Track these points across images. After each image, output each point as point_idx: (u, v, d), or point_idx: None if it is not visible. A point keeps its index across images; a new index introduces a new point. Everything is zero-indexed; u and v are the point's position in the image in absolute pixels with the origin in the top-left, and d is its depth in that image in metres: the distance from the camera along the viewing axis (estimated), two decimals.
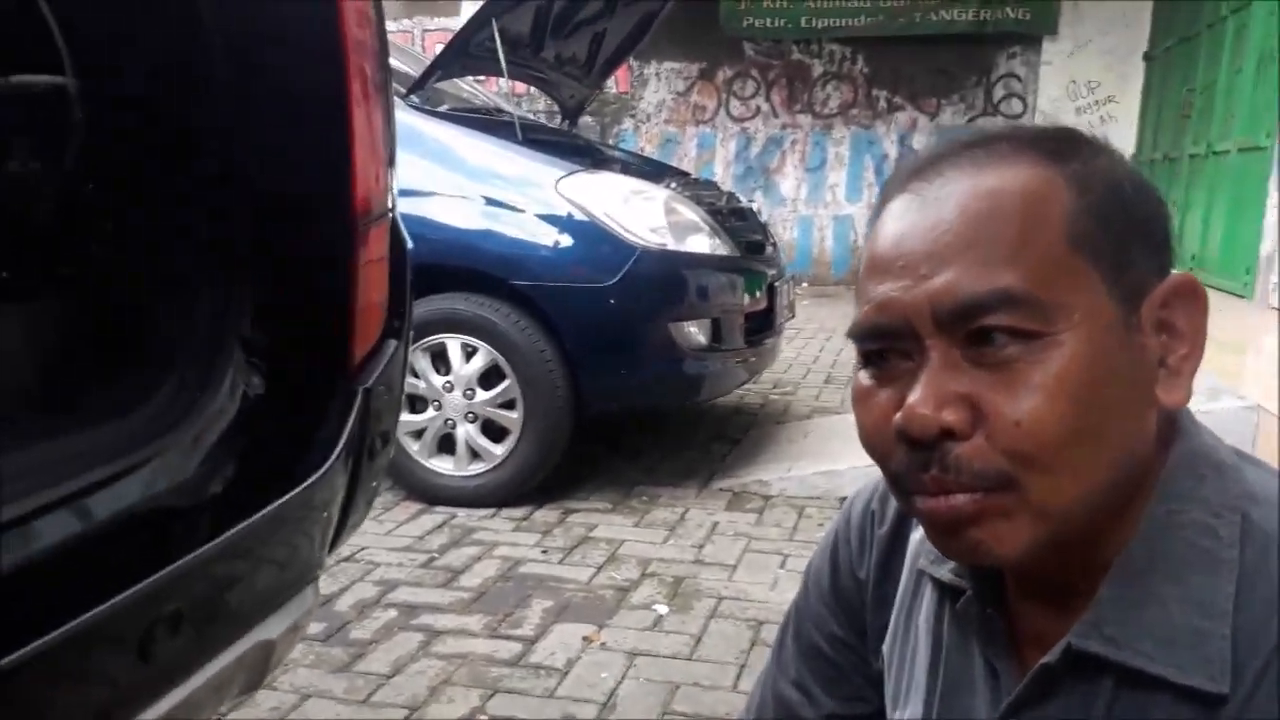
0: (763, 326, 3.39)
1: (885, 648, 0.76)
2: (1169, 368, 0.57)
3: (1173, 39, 6.94)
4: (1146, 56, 7.66)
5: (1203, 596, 0.54)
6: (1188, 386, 0.57)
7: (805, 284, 8.22)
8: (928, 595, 0.71)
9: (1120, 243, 0.55)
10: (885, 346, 0.57)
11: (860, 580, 0.78)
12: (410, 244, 1.28)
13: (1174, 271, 0.59)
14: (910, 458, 0.56)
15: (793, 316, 3.90)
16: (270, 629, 0.97)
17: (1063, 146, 0.57)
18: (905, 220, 0.57)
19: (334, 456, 1.04)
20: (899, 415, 0.55)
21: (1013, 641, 0.64)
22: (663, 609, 2.33)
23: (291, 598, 1.02)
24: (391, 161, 1.23)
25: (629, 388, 3.03)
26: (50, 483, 0.81)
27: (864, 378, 0.60)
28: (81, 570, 0.80)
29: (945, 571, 0.68)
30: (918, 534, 0.72)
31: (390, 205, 1.23)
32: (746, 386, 3.94)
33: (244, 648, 0.92)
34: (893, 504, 0.75)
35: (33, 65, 1.03)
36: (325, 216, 1.10)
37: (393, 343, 1.21)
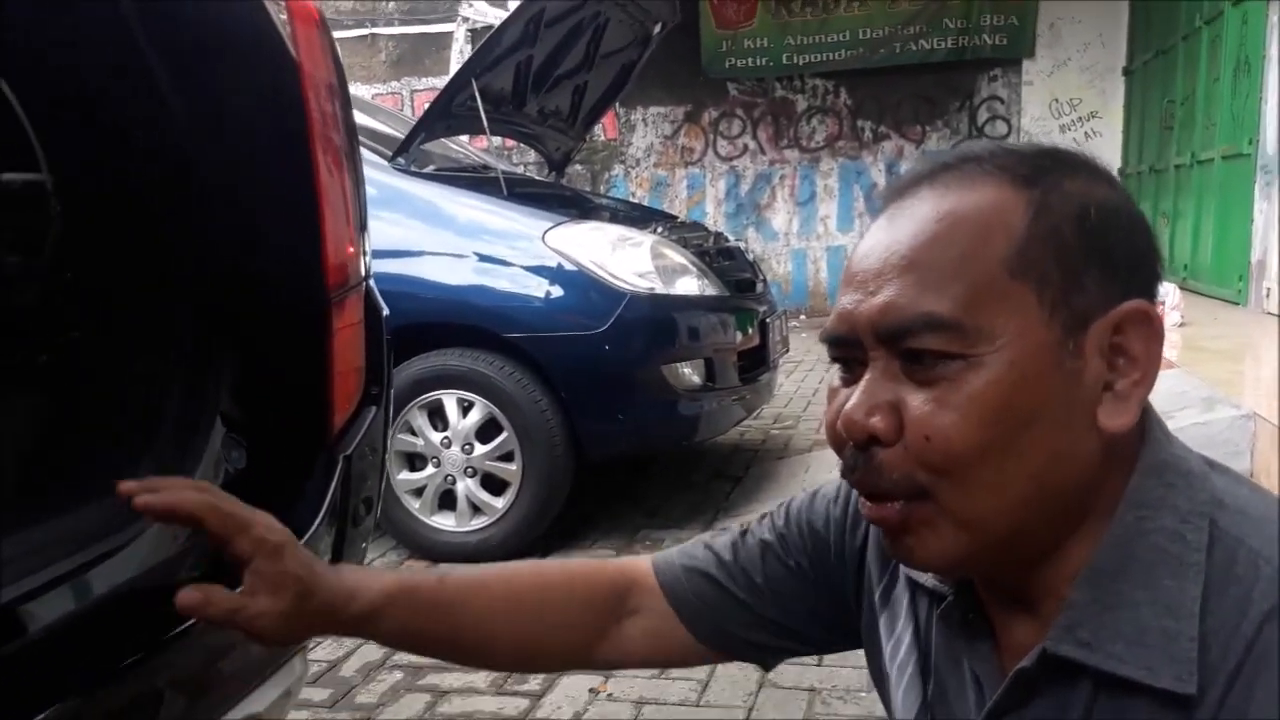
0: (757, 363, 3.41)
1: (866, 630, 0.78)
2: (1116, 393, 0.58)
3: (1150, 53, 7.03)
4: (1125, 71, 7.75)
5: (1171, 599, 0.56)
6: (1135, 412, 0.58)
7: (802, 316, 8.25)
8: (905, 599, 0.73)
9: (1071, 269, 0.57)
10: (840, 355, 0.62)
11: (844, 544, 0.79)
12: (386, 310, 1.31)
13: (1163, 287, 0.61)
14: (848, 456, 0.61)
15: (787, 351, 3.91)
16: (257, 701, 0.97)
17: (1036, 170, 0.59)
18: (873, 237, 0.61)
19: (316, 523, 1.05)
20: (839, 417, 0.60)
21: (995, 647, 0.65)
22: (705, 665, 2.32)
23: (280, 668, 1.03)
24: (363, 228, 1.26)
25: (626, 432, 3.04)
26: (35, 567, 0.82)
27: (834, 377, 0.64)
28: (67, 652, 0.80)
29: (928, 577, 0.70)
30: None
31: (364, 272, 1.25)
32: (746, 423, 3.95)
33: None
34: None
35: (8, 163, 1.07)
36: (298, 288, 1.13)
37: (373, 409, 1.23)
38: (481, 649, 0.83)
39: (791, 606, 0.81)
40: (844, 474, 0.62)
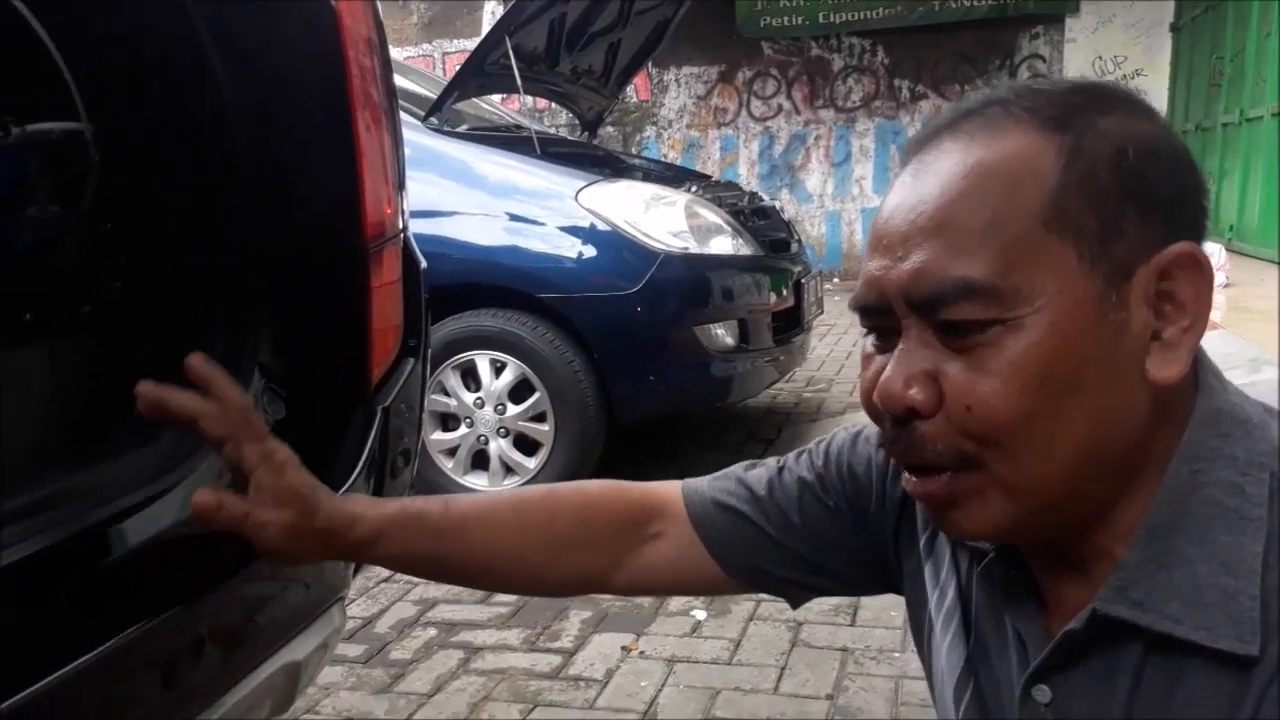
0: (790, 324, 3.38)
1: (910, 577, 0.76)
2: (1164, 341, 0.55)
3: (1199, 8, 6.82)
4: (1173, 27, 7.53)
5: (1230, 556, 0.53)
6: (1185, 361, 0.55)
7: (836, 279, 8.17)
8: (948, 553, 0.71)
9: (1109, 215, 0.54)
10: (871, 324, 0.59)
11: (885, 491, 0.77)
12: (424, 264, 1.30)
13: (1208, 246, 0.58)
14: (887, 430, 0.58)
15: (821, 313, 3.88)
16: (296, 650, 0.98)
17: (1067, 110, 0.56)
18: (899, 193, 0.58)
19: (355, 475, 1.05)
20: (876, 392, 0.57)
21: (1040, 607, 0.63)
22: (701, 614, 2.33)
23: (318, 618, 1.04)
24: (401, 184, 1.25)
25: (658, 393, 3.03)
26: (80, 512, 0.83)
27: (867, 344, 0.62)
28: (113, 597, 0.81)
29: None
30: None
31: (402, 227, 1.24)
32: (779, 385, 3.93)
33: (269, 670, 0.93)
34: None
35: (49, 111, 1.06)
36: (338, 242, 1.12)
37: (410, 361, 1.22)
38: (488, 573, 0.83)
39: (828, 547, 0.79)
40: (884, 447, 0.60)
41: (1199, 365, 0.58)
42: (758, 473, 0.82)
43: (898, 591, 0.80)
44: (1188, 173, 0.57)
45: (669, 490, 0.84)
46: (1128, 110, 0.56)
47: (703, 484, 0.83)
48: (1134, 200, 0.54)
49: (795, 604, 0.86)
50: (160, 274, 1.11)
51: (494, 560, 0.81)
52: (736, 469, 0.84)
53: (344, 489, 1.02)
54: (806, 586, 0.83)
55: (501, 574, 0.82)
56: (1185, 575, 0.54)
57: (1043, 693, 0.60)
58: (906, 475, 0.59)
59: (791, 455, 0.83)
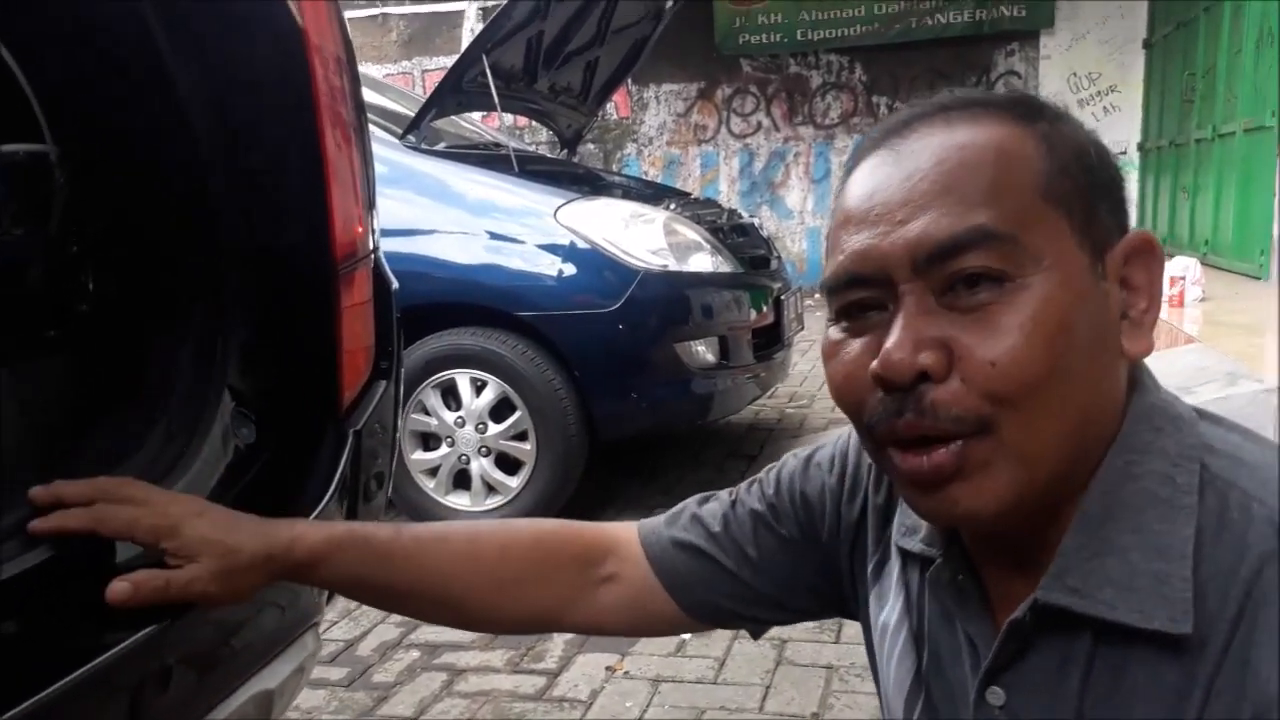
0: (771, 341, 3.39)
1: (861, 605, 0.77)
2: (1131, 320, 0.59)
3: (1170, 25, 6.91)
4: (1145, 44, 7.63)
5: (1161, 542, 0.55)
6: (1149, 338, 0.59)
7: (816, 295, 8.19)
8: (897, 570, 0.72)
9: (1087, 199, 0.57)
10: (860, 297, 0.59)
11: (840, 515, 0.77)
12: (395, 284, 1.29)
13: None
14: (885, 404, 0.57)
15: (802, 329, 3.88)
16: (269, 678, 0.96)
17: (1029, 110, 0.59)
18: (880, 174, 0.59)
19: (326, 498, 1.04)
20: (876, 361, 0.56)
21: (988, 610, 0.64)
22: (685, 634, 2.32)
23: (291, 645, 1.02)
24: (372, 204, 1.24)
25: (640, 411, 3.02)
26: (35, 544, 0.81)
27: (834, 332, 0.61)
28: (81, 624, 0.80)
29: (916, 543, 0.69)
30: (897, 517, 0.72)
31: (372, 247, 1.23)
32: (761, 402, 3.93)
33: (241, 699, 0.91)
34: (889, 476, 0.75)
35: (12, 134, 1.05)
36: (307, 263, 1.11)
37: (383, 383, 1.21)
38: (438, 603, 0.82)
39: (783, 578, 0.80)
40: (879, 425, 0.57)
41: (1136, 366, 0.61)
42: (711, 507, 0.83)
43: (854, 617, 0.80)
44: (1122, 178, 0.62)
45: (624, 531, 0.85)
46: (1071, 121, 0.61)
47: (659, 524, 0.84)
48: (1100, 190, 0.58)
49: (756, 635, 0.87)
50: (127, 296, 1.09)
51: (444, 589, 0.81)
52: (690, 504, 0.85)
53: (315, 513, 1.01)
54: (764, 620, 0.83)
55: (451, 604, 0.82)
56: (1119, 562, 0.56)
57: (996, 695, 0.61)
58: (899, 453, 0.57)
59: (743, 486, 0.83)
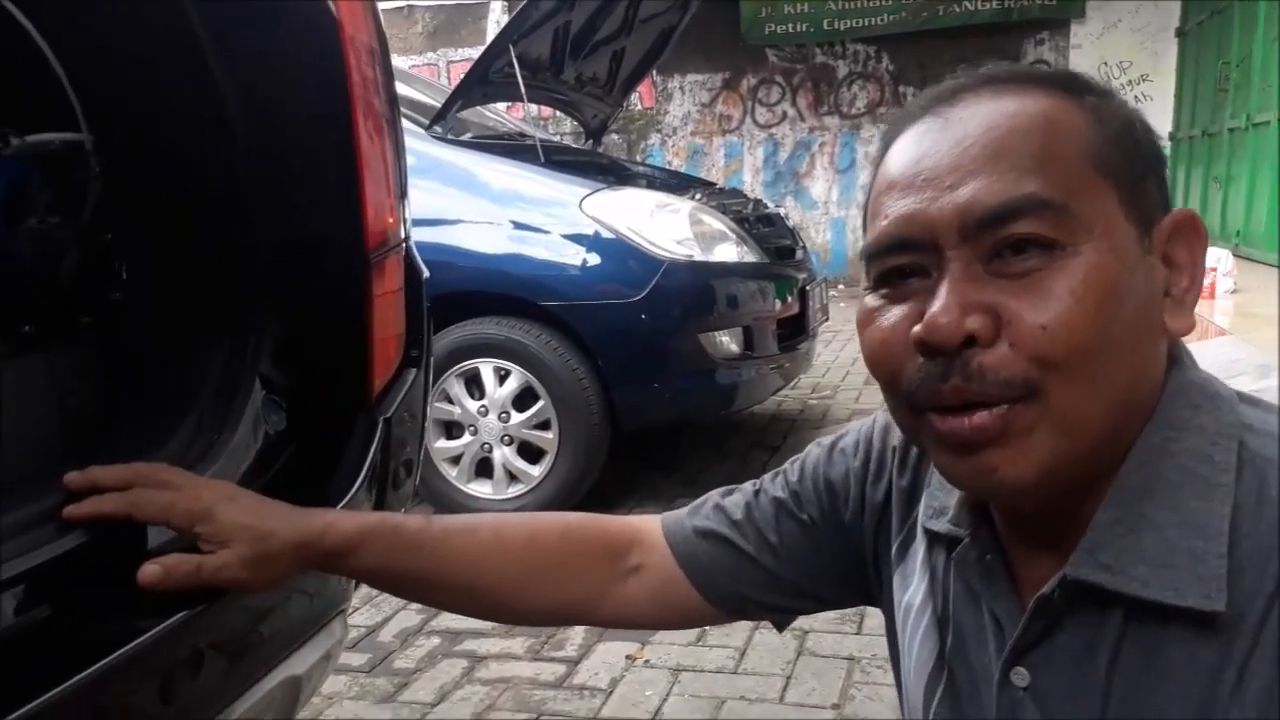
0: (796, 331, 3.37)
1: (883, 588, 0.77)
2: (1173, 297, 0.58)
3: (1204, 13, 6.80)
4: (1178, 32, 7.52)
5: (1198, 520, 0.55)
6: (1191, 316, 0.59)
7: (840, 285, 8.16)
8: (922, 552, 0.71)
9: (1135, 172, 0.57)
10: (903, 262, 0.58)
11: (864, 498, 0.77)
12: (426, 273, 1.29)
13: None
14: (928, 369, 0.56)
15: (826, 319, 3.87)
16: (297, 664, 0.97)
17: (1076, 84, 0.59)
18: (926, 140, 0.58)
19: (356, 486, 1.05)
20: (919, 326, 0.56)
21: (1015, 590, 0.63)
22: (709, 626, 2.32)
23: (319, 631, 1.03)
24: (403, 194, 1.25)
25: (663, 401, 3.02)
26: (72, 528, 0.82)
27: (872, 299, 0.60)
28: (116, 609, 0.81)
29: (943, 523, 0.68)
30: (924, 499, 0.72)
31: (403, 236, 1.24)
32: (784, 392, 3.92)
33: (270, 684, 0.92)
34: (914, 456, 0.74)
35: (49, 123, 1.06)
36: (338, 251, 1.12)
37: (412, 372, 1.22)
38: (466, 594, 0.82)
39: (805, 564, 0.80)
40: (920, 390, 0.57)
41: (1173, 343, 0.60)
42: (734, 498, 0.83)
43: (876, 603, 0.80)
44: (1163, 152, 0.62)
45: (648, 523, 0.85)
46: (1113, 93, 0.61)
47: (681, 514, 0.84)
48: (1147, 164, 0.58)
49: (780, 627, 0.87)
50: (160, 284, 1.10)
51: (473, 579, 0.81)
52: (713, 495, 0.85)
53: (345, 500, 1.01)
54: (787, 609, 0.83)
55: (479, 594, 0.82)
56: (1155, 539, 0.55)
57: (1021, 676, 0.60)
58: (941, 418, 0.56)
59: (767, 477, 0.84)
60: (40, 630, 0.75)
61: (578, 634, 2.29)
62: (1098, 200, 0.55)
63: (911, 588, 0.73)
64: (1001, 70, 0.60)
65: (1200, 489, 0.55)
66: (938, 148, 0.57)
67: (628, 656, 2.17)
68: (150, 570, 0.74)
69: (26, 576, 0.75)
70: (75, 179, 1.07)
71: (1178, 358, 0.60)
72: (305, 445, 1.07)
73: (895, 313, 0.58)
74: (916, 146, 0.58)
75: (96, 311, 1.08)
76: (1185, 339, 0.61)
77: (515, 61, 3.24)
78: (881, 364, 0.59)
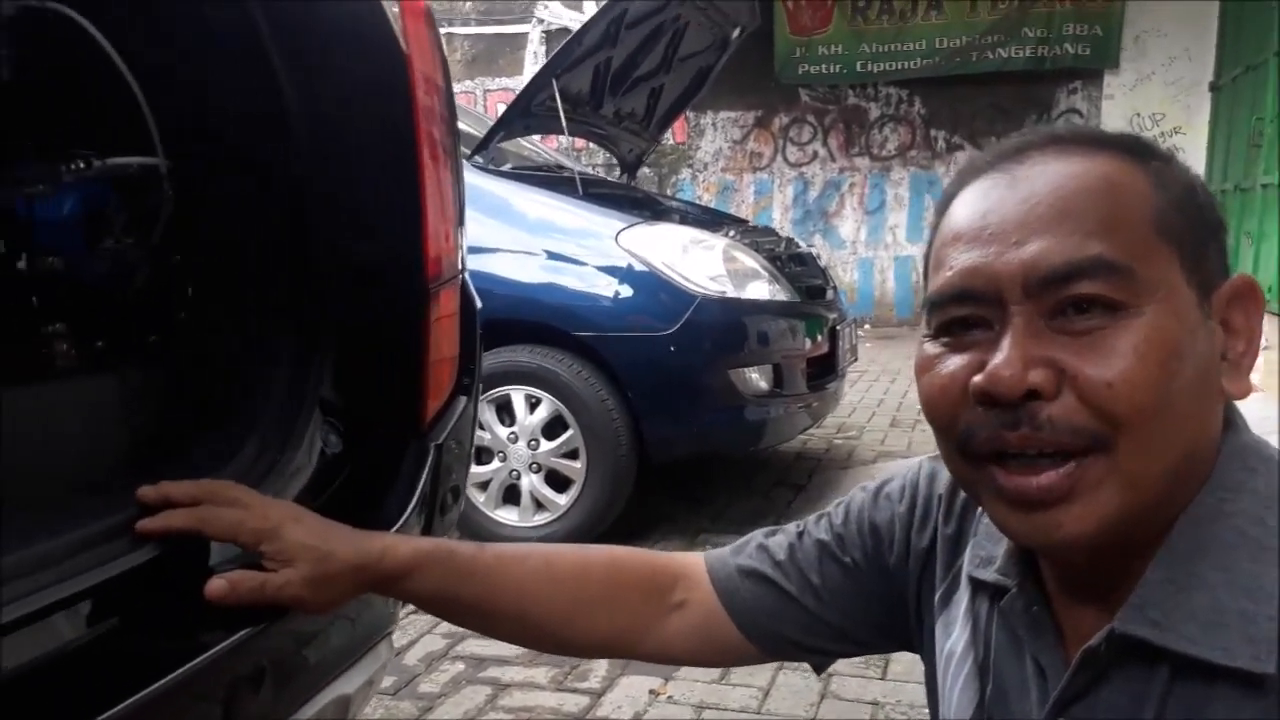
0: (825, 371, 3.38)
1: (925, 634, 0.77)
2: (1229, 361, 0.59)
3: (1239, 68, 6.80)
4: (1212, 86, 7.52)
5: (1250, 582, 0.55)
6: (1248, 380, 0.60)
7: (867, 326, 8.15)
8: (965, 600, 0.72)
9: (1197, 237, 0.58)
10: (966, 313, 0.59)
11: (909, 543, 0.78)
12: (479, 303, 1.32)
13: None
14: (993, 417, 0.57)
15: (855, 360, 3.87)
16: (347, 684, 0.99)
17: (1140, 148, 0.61)
18: (994, 195, 0.60)
19: (409, 511, 1.07)
20: (981, 376, 0.57)
21: (1060, 642, 0.64)
22: (751, 665, 2.31)
23: (367, 653, 1.04)
24: (461, 222, 1.28)
25: (691, 435, 3.03)
26: (140, 543, 0.84)
27: (932, 347, 0.61)
28: (170, 631, 0.83)
29: (990, 573, 0.69)
30: (970, 548, 0.73)
31: (460, 265, 1.27)
32: (810, 431, 3.91)
33: (323, 703, 0.94)
34: (960, 505, 0.75)
35: (127, 147, 1.10)
36: (399, 278, 1.14)
37: (463, 399, 1.24)
38: (517, 622, 0.83)
39: (847, 607, 0.80)
40: (982, 435, 0.58)
41: (1228, 406, 0.61)
42: (778, 539, 0.84)
43: (914, 649, 0.80)
44: (1223, 219, 0.63)
45: (692, 559, 0.86)
46: (1176, 159, 0.62)
47: (725, 553, 0.86)
48: (1208, 230, 0.59)
49: (819, 670, 0.87)
50: (226, 305, 1.13)
51: (523, 607, 0.82)
52: (757, 536, 0.86)
53: (397, 525, 1.03)
54: (827, 651, 0.84)
55: (529, 622, 0.83)
56: (1205, 598, 0.56)
57: None
58: (1007, 474, 0.58)
59: (811, 519, 0.85)
60: (110, 644, 0.77)
61: (601, 666, 2.29)
62: (1160, 264, 0.56)
63: (954, 636, 0.73)
64: (1067, 130, 0.62)
65: (1253, 551, 0.56)
66: (1004, 204, 0.58)
67: (651, 691, 2.16)
68: (217, 585, 0.75)
69: (98, 590, 0.77)
70: (149, 202, 1.11)
71: (1233, 421, 0.61)
72: (359, 469, 1.09)
73: (955, 361, 0.59)
74: (983, 201, 0.60)
75: (164, 330, 1.10)
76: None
77: (557, 95, 3.29)
78: (939, 410, 0.61)
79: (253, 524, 0.78)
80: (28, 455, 0.86)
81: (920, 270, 0.70)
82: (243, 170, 1.13)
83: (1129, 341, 0.54)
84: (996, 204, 0.59)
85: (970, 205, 0.61)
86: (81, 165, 1.04)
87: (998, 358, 0.56)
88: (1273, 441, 0.63)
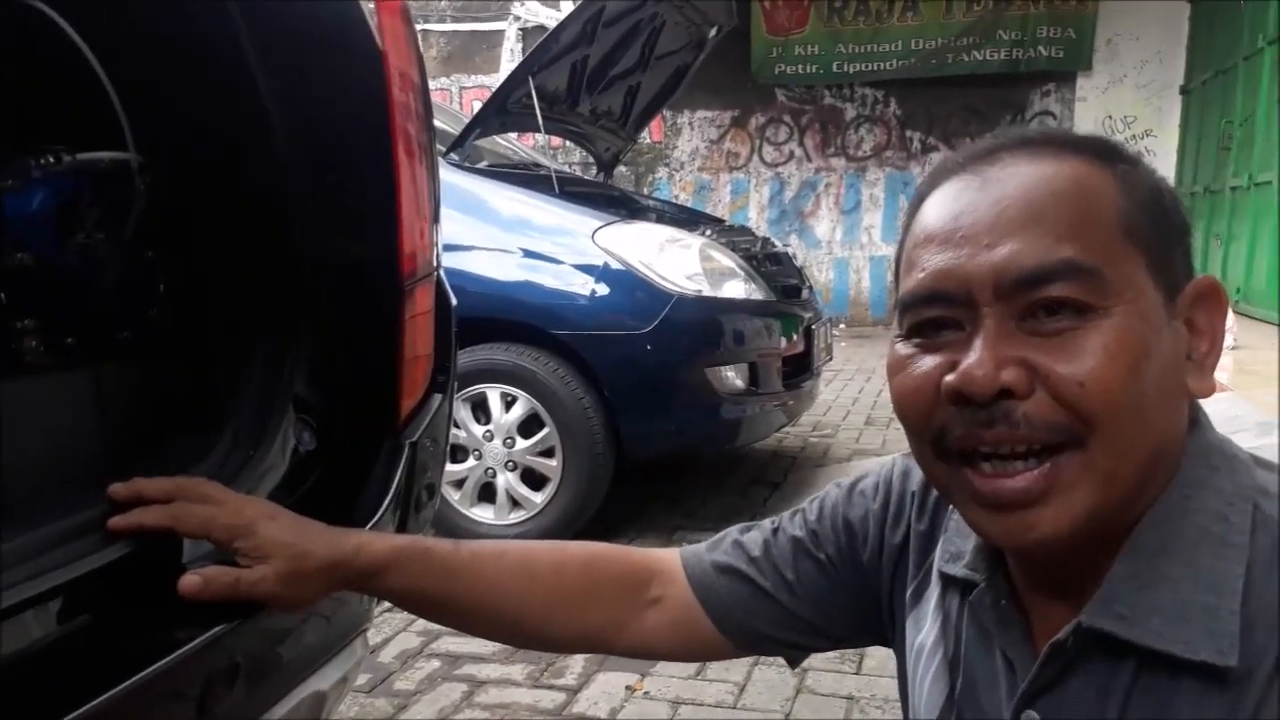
0: (800, 369, 3.40)
1: (897, 629, 0.78)
2: (1194, 361, 0.60)
3: (1209, 72, 6.91)
4: (1183, 90, 7.63)
5: (1213, 577, 0.56)
6: (1212, 379, 0.61)
7: (842, 325, 8.20)
8: (936, 595, 0.73)
9: (1163, 240, 0.59)
10: (938, 315, 0.60)
11: (882, 540, 0.79)
12: (454, 301, 1.32)
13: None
14: (967, 416, 0.58)
15: (830, 359, 3.89)
16: (322, 680, 0.99)
17: (1108, 151, 0.61)
18: (965, 197, 0.60)
19: (382, 509, 1.07)
20: (954, 376, 0.58)
21: (1029, 637, 0.65)
22: (727, 660, 2.32)
23: (342, 649, 1.04)
24: (436, 219, 1.28)
25: (667, 433, 3.04)
26: (113, 539, 0.84)
27: (904, 348, 0.62)
28: (143, 627, 0.82)
29: (959, 568, 0.70)
30: (941, 544, 0.74)
31: (435, 263, 1.27)
32: (785, 430, 3.93)
33: (297, 699, 0.94)
34: (933, 501, 0.76)
35: (98, 141, 1.09)
36: (374, 275, 1.14)
37: (438, 397, 1.24)
38: (493, 618, 0.84)
39: (821, 602, 0.81)
40: (956, 433, 0.58)
41: (1193, 405, 0.62)
42: (753, 535, 0.85)
43: (887, 644, 0.82)
44: (1188, 222, 0.64)
45: (668, 555, 0.87)
46: (1142, 163, 0.63)
47: (701, 549, 0.86)
48: (1173, 233, 0.60)
49: (793, 664, 0.88)
50: (199, 302, 1.13)
51: (499, 604, 0.83)
52: (732, 532, 0.87)
53: (372, 523, 1.03)
54: (801, 646, 0.85)
55: (505, 619, 0.84)
56: (1170, 594, 0.57)
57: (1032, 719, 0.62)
58: (980, 477, 0.58)
59: (786, 515, 0.85)
60: (83, 640, 0.77)
61: (577, 662, 2.29)
62: (1128, 266, 0.57)
63: (924, 630, 0.74)
64: (1037, 133, 0.63)
65: (1215, 548, 0.57)
66: (976, 206, 0.59)
67: (628, 687, 2.17)
68: (190, 580, 0.75)
69: (70, 586, 0.77)
70: (121, 197, 1.10)
71: (1197, 419, 0.62)
72: (334, 466, 1.09)
73: (928, 361, 0.60)
74: (955, 203, 0.61)
75: (136, 327, 1.10)
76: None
77: (534, 93, 3.29)
78: (910, 410, 0.62)
79: (226, 520, 0.78)
80: None
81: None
82: (217, 166, 1.12)
83: (1099, 341, 0.55)
84: (968, 206, 0.60)
85: (942, 206, 0.61)
86: (52, 160, 1.04)
87: (970, 358, 0.57)
88: (1241, 440, 0.64)
